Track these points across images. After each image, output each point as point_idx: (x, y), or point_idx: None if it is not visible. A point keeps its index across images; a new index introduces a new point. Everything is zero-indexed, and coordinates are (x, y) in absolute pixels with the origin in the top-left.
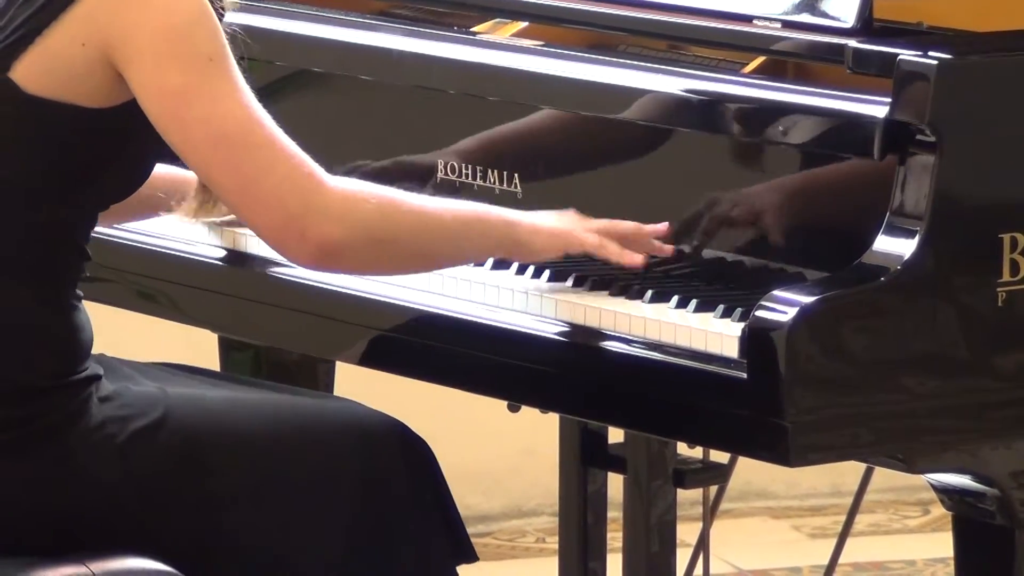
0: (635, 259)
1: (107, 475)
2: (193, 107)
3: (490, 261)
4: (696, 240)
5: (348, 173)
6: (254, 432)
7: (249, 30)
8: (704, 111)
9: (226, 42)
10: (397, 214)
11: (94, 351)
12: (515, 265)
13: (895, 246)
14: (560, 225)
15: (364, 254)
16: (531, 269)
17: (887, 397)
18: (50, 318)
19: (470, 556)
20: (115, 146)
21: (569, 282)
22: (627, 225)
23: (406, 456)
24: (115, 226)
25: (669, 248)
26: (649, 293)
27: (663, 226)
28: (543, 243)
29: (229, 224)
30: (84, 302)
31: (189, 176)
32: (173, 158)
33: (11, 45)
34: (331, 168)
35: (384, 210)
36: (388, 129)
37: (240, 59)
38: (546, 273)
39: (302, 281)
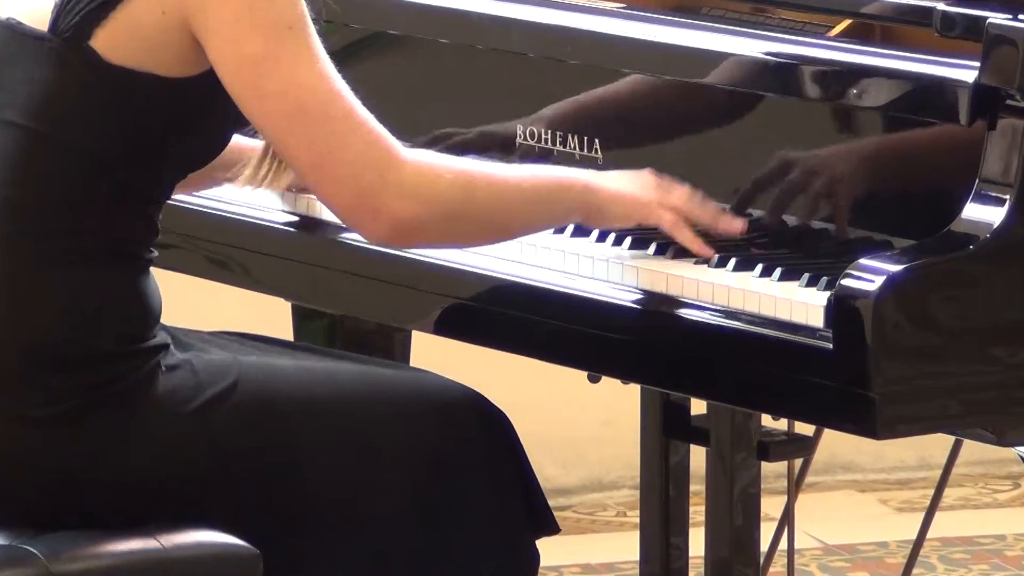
0: (704, 250)
1: (176, 444)
2: (270, 77)
3: (570, 228)
4: (781, 207)
5: (426, 140)
6: (329, 401)
7: None
8: (789, 75)
9: (306, 9)
10: (473, 188)
11: (164, 320)
12: (595, 232)
13: (984, 214)
14: (640, 193)
15: (439, 230)
16: (612, 236)
17: (976, 368)
18: (119, 284)
19: (552, 528)
20: (193, 116)
21: (651, 249)
22: (703, 213)
23: (484, 427)
24: (192, 194)
25: (743, 224)
26: (732, 261)
27: (739, 225)
28: (620, 211)
29: (293, 191)
30: (154, 269)
31: (250, 145)
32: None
33: (91, 12)
34: (407, 136)
35: (460, 184)
36: (466, 94)
37: (316, 21)
38: (627, 240)
39: (377, 248)
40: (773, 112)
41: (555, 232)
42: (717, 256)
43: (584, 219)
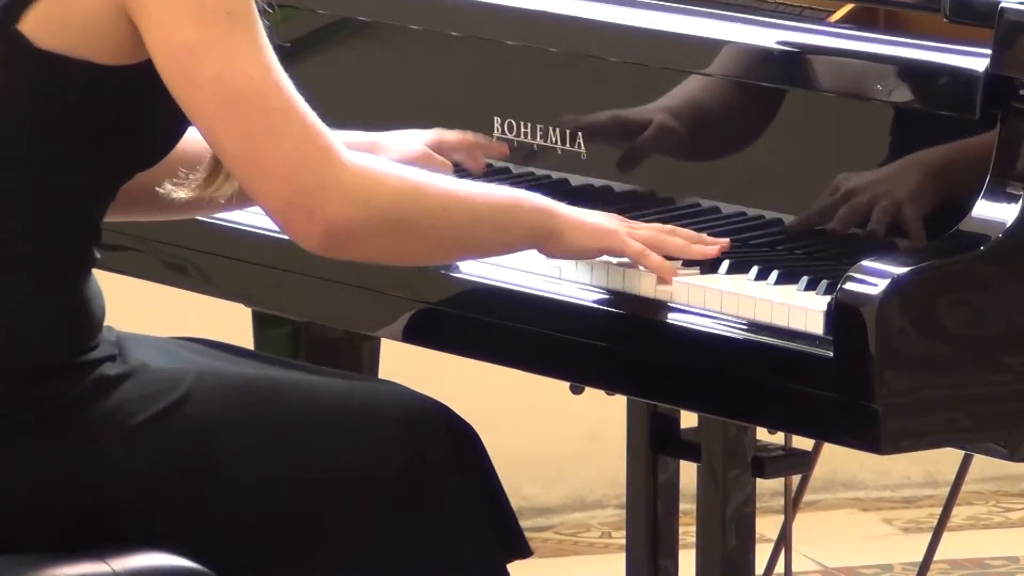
0: (670, 276)
1: (125, 461)
2: (204, 64)
3: None
4: (777, 205)
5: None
6: (288, 415)
7: None
8: (786, 64)
9: None
10: (419, 197)
11: (117, 328)
12: None
13: (996, 212)
14: (603, 223)
15: (377, 241)
16: None
17: (987, 378)
18: (56, 291)
19: (523, 551)
20: (133, 109)
21: None
22: (675, 243)
23: (452, 444)
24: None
25: (723, 244)
26: (726, 263)
27: (715, 249)
28: (582, 240)
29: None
30: (106, 273)
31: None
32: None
33: None
34: (376, 129)
35: (405, 192)
36: (440, 85)
37: (269, 7)
38: None
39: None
40: (769, 103)
41: None
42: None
43: (542, 244)
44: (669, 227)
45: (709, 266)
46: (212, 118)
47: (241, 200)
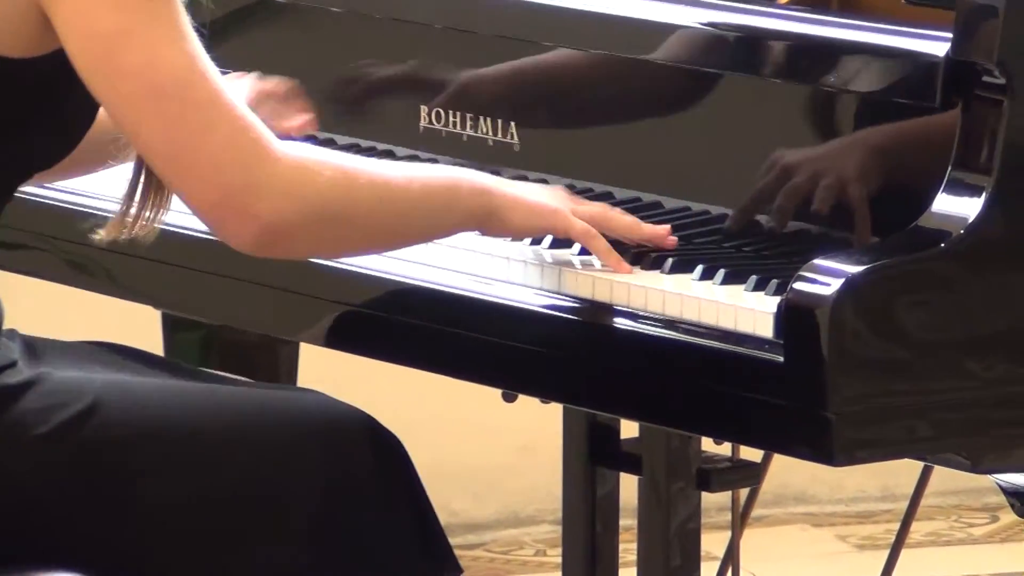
0: (621, 264)
1: (24, 476)
2: (124, 54)
3: None
4: (724, 200)
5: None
6: (198, 428)
7: None
8: (732, 49)
9: None
10: (355, 187)
11: (19, 331)
12: None
13: (958, 206)
14: (547, 202)
15: (314, 236)
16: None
17: (949, 384)
18: None
19: (453, 568)
20: (40, 103)
21: (575, 249)
22: (622, 222)
23: (377, 456)
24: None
25: (671, 240)
26: (669, 262)
27: (663, 230)
28: (522, 219)
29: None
30: (6, 274)
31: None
32: None
33: None
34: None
35: (340, 183)
36: (362, 70)
37: None
38: (548, 238)
39: None
40: (715, 91)
41: None
42: (653, 256)
43: (482, 226)
44: (618, 209)
45: (651, 263)
46: (134, 113)
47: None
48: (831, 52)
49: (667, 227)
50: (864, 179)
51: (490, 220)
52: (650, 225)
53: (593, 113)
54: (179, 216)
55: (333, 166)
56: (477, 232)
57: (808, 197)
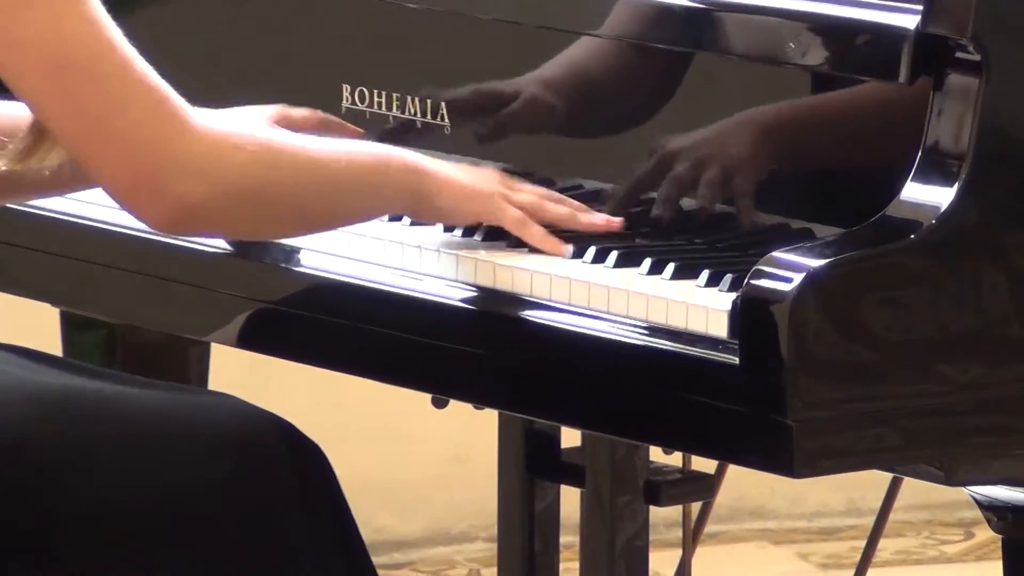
0: (558, 248)
1: None
2: (27, 25)
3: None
4: (674, 187)
5: (230, 104)
6: (100, 438)
7: None
8: (683, 22)
9: None
10: (278, 164)
11: None
12: None
13: (929, 194)
14: (480, 185)
15: (234, 214)
16: None
17: (919, 388)
18: None
19: None
20: None
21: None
22: (560, 211)
23: (295, 466)
24: None
25: (616, 222)
26: (614, 255)
27: (599, 221)
28: (453, 202)
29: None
30: None
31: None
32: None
33: None
34: (208, 99)
35: (262, 159)
36: (278, 45)
37: None
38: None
39: (162, 238)
40: (665, 69)
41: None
42: (595, 249)
43: (411, 207)
44: (557, 195)
45: (595, 257)
46: (37, 87)
47: (73, 182)
48: (790, 24)
49: (608, 218)
50: (824, 161)
51: (421, 202)
52: (592, 214)
53: (530, 94)
54: (77, 205)
55: (256, 141)
56: (406, 215)
57: (763, 182)
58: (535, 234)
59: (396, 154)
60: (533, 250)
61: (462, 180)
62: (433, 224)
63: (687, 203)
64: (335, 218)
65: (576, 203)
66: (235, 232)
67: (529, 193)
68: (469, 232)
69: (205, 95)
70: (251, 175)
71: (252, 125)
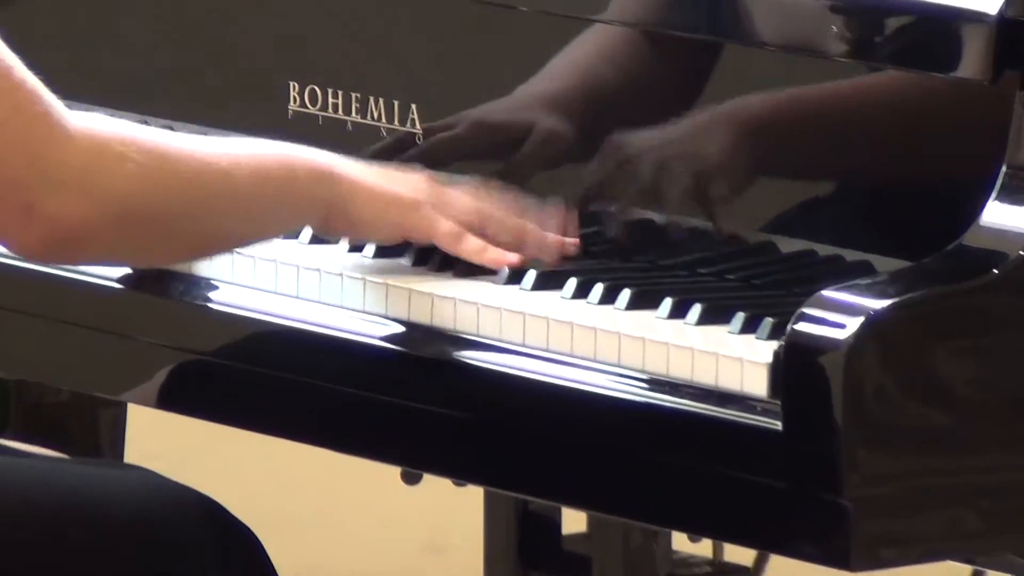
0: (502, 258)
1: None
2: None
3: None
4: (697, 210)
5: (151, 102)
6: None
7: None
8: (709, 8)
9: None
10: (168, 177)
11: None
12: None
13: (1016, 218)
14: (406, 191)
15: (116, 239)
16: None
17: (1004, 460)
18: None
19: None
20: None
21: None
22: (512, 223)
23: (219, 553)
24: None
25: (571, 242)
26: (626, 295)
27: (555, 240)
28: (373, 213)
29: None
30: None
31: None
32: None
33: None
34: (124, 104)
35: (150, 171)
36: (212, 36)
37: None
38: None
39: (65, 273)
40: (692, 62)
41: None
42: (603, 287)
43: (324, 221)
44: (504, 200)
45: (605, 295)
46: None
47: None
48: (844, 15)
49: (564, 238)
50: (884, 179)
51: (332, 213)
52: (546, 234)
53: (511, 89)
54: None
55: (144, 147)
56: (316, 228)
57: (808, 204)
58: (469, 249)
59: (301, 155)
60: (539, 285)
61: (383, 185)
62: (346, 238)
63: (712, 229)
64: (234, 238)
65: (531, 204)
66: (119, 258)
67: (463, 192)
68: (393, 251)
69: (123, 96)
70: (137, 193)
71: (138, 127)
